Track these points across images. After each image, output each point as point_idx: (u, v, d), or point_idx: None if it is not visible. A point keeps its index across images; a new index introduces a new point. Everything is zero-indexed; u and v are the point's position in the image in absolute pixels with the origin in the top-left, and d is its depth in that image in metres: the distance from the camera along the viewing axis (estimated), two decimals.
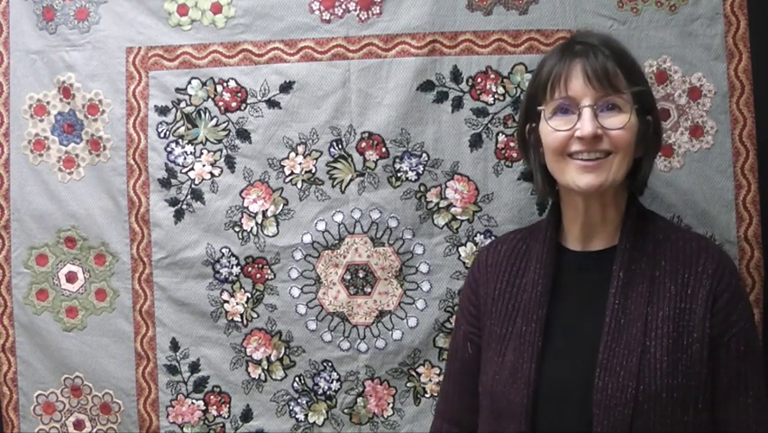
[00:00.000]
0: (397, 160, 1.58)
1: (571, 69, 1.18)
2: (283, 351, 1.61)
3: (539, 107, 1.22)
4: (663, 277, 1.19)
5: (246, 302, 1.62)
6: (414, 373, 1.59)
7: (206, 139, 1.62)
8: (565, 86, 1.18)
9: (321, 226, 1.60)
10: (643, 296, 1.17)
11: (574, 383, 1.16)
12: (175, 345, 1.63)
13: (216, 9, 1.61)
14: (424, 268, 1.58)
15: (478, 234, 1.56)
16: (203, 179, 1.62)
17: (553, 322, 1.21)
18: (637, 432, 1.10)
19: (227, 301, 1.62)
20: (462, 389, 1.34)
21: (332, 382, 1.60)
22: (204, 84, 1.62)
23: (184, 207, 1.62)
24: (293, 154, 1.60)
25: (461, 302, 1.41)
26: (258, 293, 1.61)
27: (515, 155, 1.56)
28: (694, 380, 1.13)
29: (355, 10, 1.58)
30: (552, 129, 1.19)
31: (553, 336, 1.20)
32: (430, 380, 1.58)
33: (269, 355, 1.61)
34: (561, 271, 1.25)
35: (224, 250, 1.61)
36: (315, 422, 1.61)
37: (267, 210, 1.61)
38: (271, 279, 1.61)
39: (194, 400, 1.64)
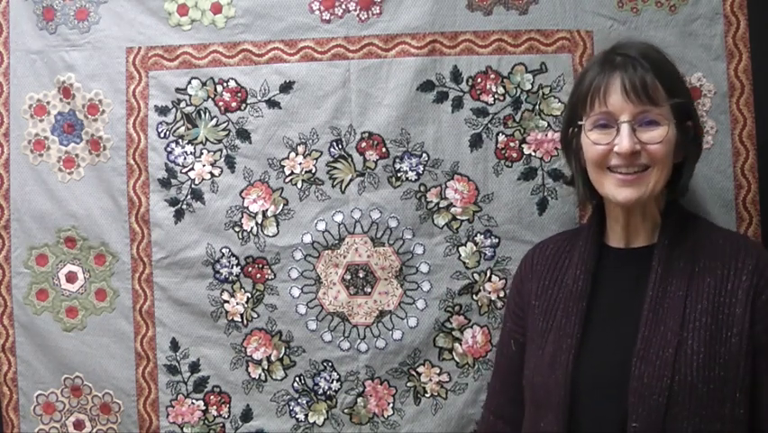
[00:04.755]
0: (397, 160, 1.58)
1: (610, 83, 1.20)
2: (283, 351, 1.61)
3: (579, 122, 1.26)
4: (702, 273, 1.20)
5: (246, 302, 1.61)
6: (414, 373, 1.58)
7: (206, 139, 1.62)
8: (604, 100, 1.20)
9: (321, 226, 1.60)
10: (681, 289, 1.19)
11: (612, 374, 1.18)
12: (175, 345, 1.63)
13: (216, 9, 1.61)
14: (424, 268, 1.58)
15: (478, 234, 1.56)
16: (203, 179, 1.62)
17: (593, 315, 1.24)
18: (672, 421, 1.12)
19: (227, 301, 1.62)
20: (508, 384, 1.39)
21: (332, 382, 1.60)
22: (204, 84, 1.62)
23: (184, 207, 1.62)
24: (293, 154, 1.60)
25: (507, 301, 1.46)
26: (258, 293, 1.61)
27: (515, 155, 1.56)
28: (732, 373, 1.14)
29: (355, 10, 1.58)
30: (591, 142, 1.23)
31: (592, 328, 1.23)
32: (430, 379, 1.58)
33: (270, 355, 1.61)
34: (603, 267, 1.28)
35: (224, 250, 1.61)
36: (315, 422, 1.61)
37: (267, 210, 1.61)
38: (271, 279, 1.61)
39: (194, 400, 1.64)
